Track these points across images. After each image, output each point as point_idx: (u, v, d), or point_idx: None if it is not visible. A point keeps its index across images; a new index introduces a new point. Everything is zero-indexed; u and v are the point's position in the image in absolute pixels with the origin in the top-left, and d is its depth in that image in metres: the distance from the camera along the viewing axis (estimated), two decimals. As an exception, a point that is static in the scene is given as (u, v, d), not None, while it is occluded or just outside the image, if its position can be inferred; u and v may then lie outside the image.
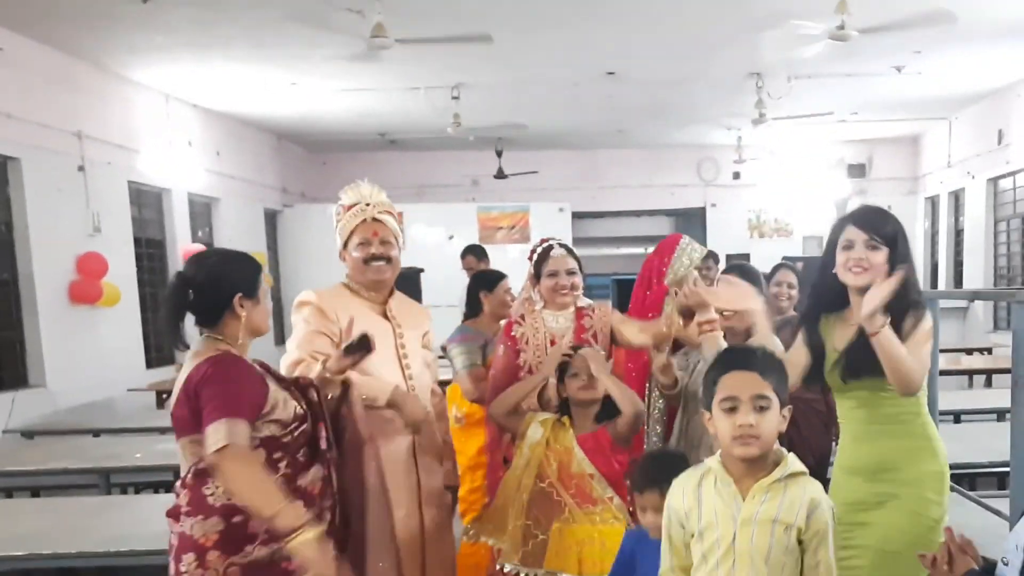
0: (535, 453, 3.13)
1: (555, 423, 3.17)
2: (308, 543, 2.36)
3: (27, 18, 6.84)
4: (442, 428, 3.41)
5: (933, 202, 13.78)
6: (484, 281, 4.71)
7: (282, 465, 2.52)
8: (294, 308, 3.15)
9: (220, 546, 2.44)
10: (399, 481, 3.13)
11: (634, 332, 3.62)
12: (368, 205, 3.12)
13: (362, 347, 2.79)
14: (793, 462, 2.15)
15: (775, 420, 2.10)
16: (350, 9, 6.36)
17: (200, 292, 2.55)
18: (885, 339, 2.50)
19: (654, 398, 3.88)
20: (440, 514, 3.30)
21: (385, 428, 3.09)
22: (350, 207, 3.14)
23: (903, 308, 2.58)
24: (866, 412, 2.69)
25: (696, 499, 2.17)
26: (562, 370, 3.22)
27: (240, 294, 2.56)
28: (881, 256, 2.60)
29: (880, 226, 2.64)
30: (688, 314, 3.37)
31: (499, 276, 4.77)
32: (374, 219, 3.13)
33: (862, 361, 2.59)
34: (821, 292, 2.79)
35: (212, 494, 2.46)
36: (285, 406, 2.56)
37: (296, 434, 2.56)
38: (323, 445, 2.64)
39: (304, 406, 2.64)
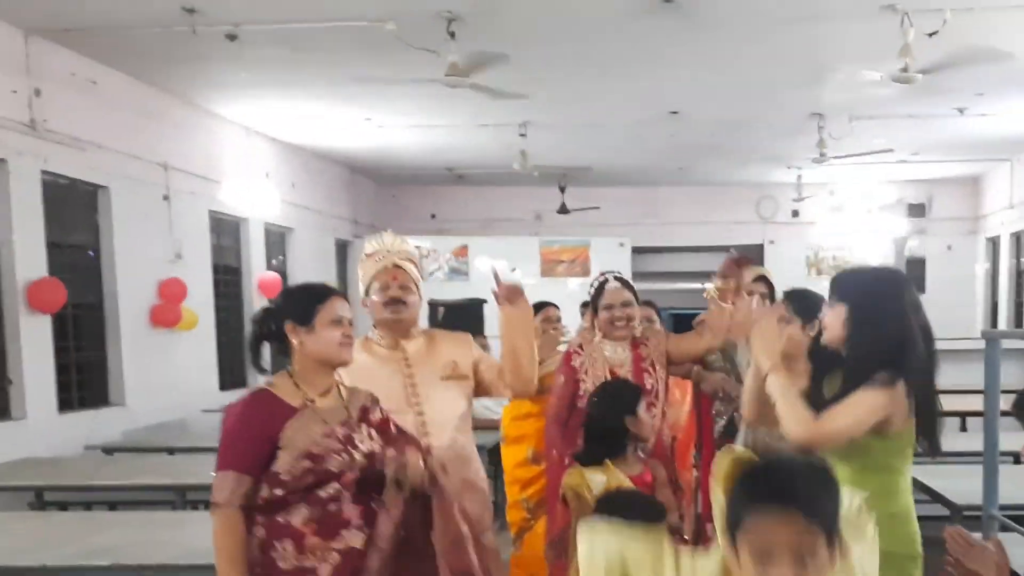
0: None
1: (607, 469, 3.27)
2: None
3: (120, 54, 7.16)
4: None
5: (994, 243, 13.64)
6: None
7: (287, 497, 2.54)
8: None
9: None
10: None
11: (693, 340, 3.78)
12: (388, 252, 3.29)
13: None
14: None
15: (826, 567, 1.49)
16: (426, 49, 6.60)
17: (265, 321, 2.72)
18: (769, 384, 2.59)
19: (715, 416, 4.06)
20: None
21: None
22: (371, 254, 3.31)
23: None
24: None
25: None
26: (635, 404, 3.35)
27: (291, 322, 2.66)
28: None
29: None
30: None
31: (539, 306, 5.10)
32: (395, 265, 3.28)
33: None
34: None
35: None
36: (298, 443, 2.56)
37: (297, 472, 2.55)
38: (335, 487, 2.60)
39: (341, 446, 2.61)
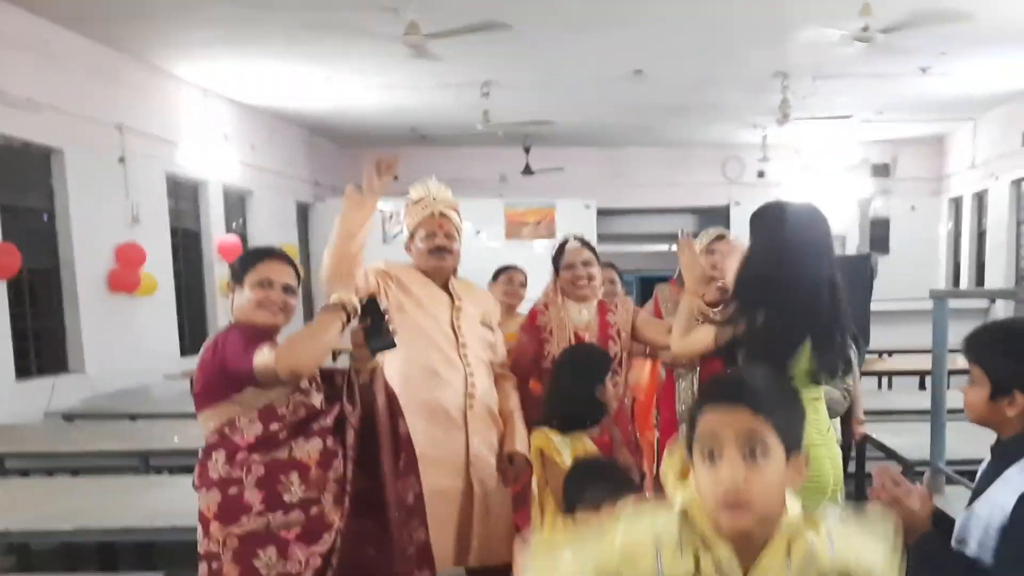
0: None
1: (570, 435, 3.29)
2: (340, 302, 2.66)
3: (71, 13, 7.01)
4: (510, 397, 3.55)
5: (957, 203, 13.79)
6: (494, 275, 5.26)
7: (281, 435, 2.61)
8: None
9: (220, 517, 2.57)
10: (442, 445, 3.29)
11: (660, 330, 3.79)
12: (435, 200, 3.39)
13: (371, 311, 2.82)
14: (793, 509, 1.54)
15: (777, 474, 1.48)
16: (384, 8, 6.51)
17: None
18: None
19: (680, 391, 4.08)
20: (491, 480, 3.43)
21: (429, 395, 3.30)
22: (418, 201, 3.39)
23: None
24: None
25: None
26: (605, 372, 3.33)
27: (230, 279, 2.79)
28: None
29: None
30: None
31: (502, 269, 5.26)
32: (441, 214, 3.38)
33: None
34: None
35: (212, 467, 2.60)
36: None
37: (291, 405, 2.65)
38: (328, 422, 2.70)
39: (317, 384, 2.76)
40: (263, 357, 2.49)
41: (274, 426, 2.60)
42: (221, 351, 2.59)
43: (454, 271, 3.52)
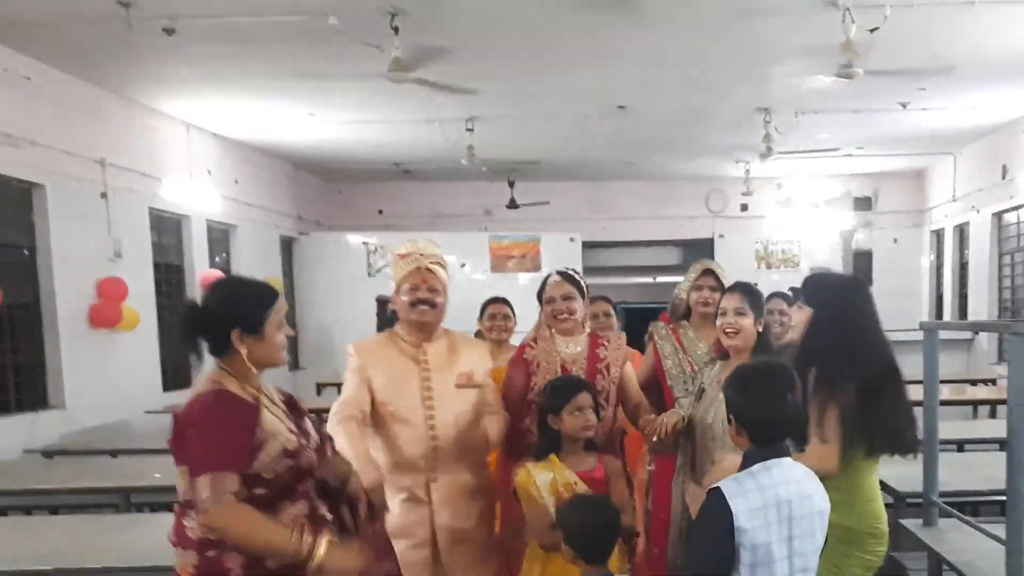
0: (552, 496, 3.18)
1: (554, 465, 3.25)
2: (330, 554, 2.39)
3: (54, 49, 7.00)
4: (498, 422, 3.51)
5: (938, 235, 13.88)
6: (480, 310, 5.15)
7: (267, 498, 2.45)
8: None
9: None
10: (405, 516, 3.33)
11: (634, 399, 3.83)
12: (422, 255, 3.41)
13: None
14: None
15: None
16: (369, 44, 6.52)
17: (203, 323, 2.53)
18: None
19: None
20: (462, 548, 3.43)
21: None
22: (404, 256, 3.42)
23: None
24: None
25: None
26: (560, 404, 3.30)
27: (238, 330, 2.50)
28: None
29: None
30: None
31: (487, 302, 5.16)
32: (427, 269, 3.40)
33: None
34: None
35: (190, 527, 2.44)
36: (275, 441, 2.49)
37: (281, 470, 2.48)
38: (307, 486, 2.56)
39: (305, 441, 2.59)
40: (204, 491, 2.31)
41: (259, 490, 2.43)
42: (188, 433, 2.41)
43: (438, 324, 3.53)
